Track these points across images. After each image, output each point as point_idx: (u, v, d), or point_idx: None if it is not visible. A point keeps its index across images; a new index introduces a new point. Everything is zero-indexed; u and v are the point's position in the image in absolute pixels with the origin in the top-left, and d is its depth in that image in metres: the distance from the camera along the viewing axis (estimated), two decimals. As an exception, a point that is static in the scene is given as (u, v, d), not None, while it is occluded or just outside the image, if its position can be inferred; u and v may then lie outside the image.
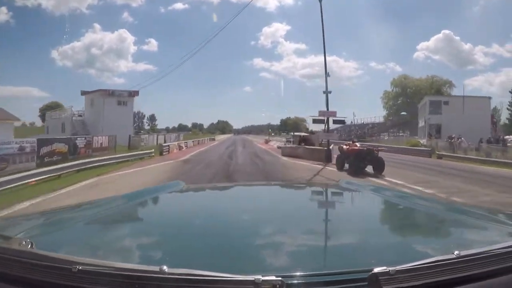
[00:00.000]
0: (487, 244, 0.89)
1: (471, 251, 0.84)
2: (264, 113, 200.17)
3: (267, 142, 49.28)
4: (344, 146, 13.84)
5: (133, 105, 40.15)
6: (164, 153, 22.74)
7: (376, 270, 0.76)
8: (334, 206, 1.94)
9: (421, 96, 57.31)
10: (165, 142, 34.65)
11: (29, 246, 0.86)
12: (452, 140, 28.87)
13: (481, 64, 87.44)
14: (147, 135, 38.02)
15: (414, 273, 0.77)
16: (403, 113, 62.98)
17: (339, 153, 14.50)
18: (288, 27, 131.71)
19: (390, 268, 0.76)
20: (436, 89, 60.47)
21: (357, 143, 14.03)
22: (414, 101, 59.85)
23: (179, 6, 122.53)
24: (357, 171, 11.73)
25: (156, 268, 0.75)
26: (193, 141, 39.84)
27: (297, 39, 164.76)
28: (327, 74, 17.54)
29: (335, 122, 18.26)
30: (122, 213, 1.57)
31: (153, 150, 21.49)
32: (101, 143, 22.18)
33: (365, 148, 13.13)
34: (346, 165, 13.46)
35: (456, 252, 0.82)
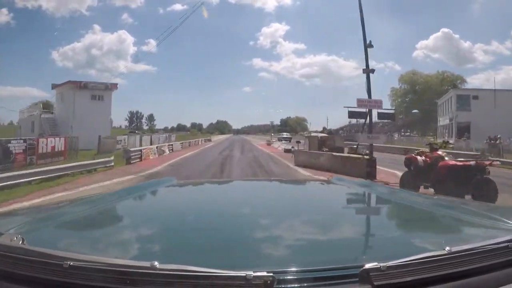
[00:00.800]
0: (479, 240, 0.89)
1: (462, 247, 0.84)
2: (262, 113, 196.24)
3: (269, 143, 42.52)
4: (419, 157, 8.13)
5: (111, 100, 33.25)
6: (133, 161, 16.78)
7: (367, 266, 0.76)
8: (325, 202, 1.88)
9: (431, 93, 53.78)
10: (151, 144, 28.19)
11: (21, 242, 0.86)
12: (497, 141, 23.80)
13: (480, 62, 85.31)
14: (126, 136, 29.01)
15: (405, 269, 0.77)
16: (414, 110, 58.30)
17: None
18: (287, 27, 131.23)
19: (381, 264, 0.76)
20: (451, 84, 56.08)
21: (440, 152, 8.27)
22: (424, 98, 56.31)
23: (178, 7, 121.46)
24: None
25: (147, 264, 0.74)
26: (181, 143, 32.92)
27: (296, 39, 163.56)
28: (368, 45, 11.73)
29: (380, 116, 12.26)
30: (114, 209, 1.56)
31: (112, 157, 15.03)
32: (53, 147, 16.71)
33: (471, 163, 7.37)
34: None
35: (447, 248, 0.82)
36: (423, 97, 58.20)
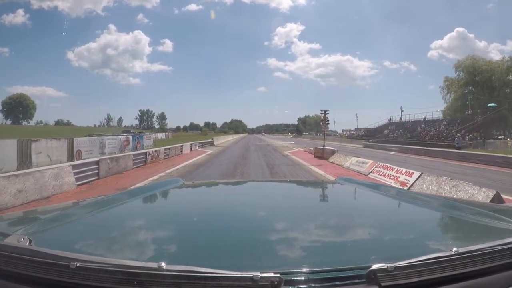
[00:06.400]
0: (486, 241, 0.88)
1: (469, 248, 0.83)
2: (279, 112, 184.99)
3: (321, 154, 19.00)
4: None
5: None
6: None
7: (374, 266, 0.76)
8: (332, 203, 1.86)
9: (494, 83, 43.43)
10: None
11: (28, 243, 0.87)
12: None
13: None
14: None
15: (412, 269, 0.77)
16: (491, 104, 42.56)
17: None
18: (302, 27, 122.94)
19: (389, 265, 0.76)
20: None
21: None
22: (487, 90, 42.04)
23: (193, 7, 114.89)
24: None
25: (154, 265, 0.75)
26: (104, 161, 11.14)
27: (311, 39, 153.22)
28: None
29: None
30: (120, 210, 1.54)
31: None
32: None
33: None
34: None
35: (454, 249, 0.82)
36: (484, 88, 43.96)
